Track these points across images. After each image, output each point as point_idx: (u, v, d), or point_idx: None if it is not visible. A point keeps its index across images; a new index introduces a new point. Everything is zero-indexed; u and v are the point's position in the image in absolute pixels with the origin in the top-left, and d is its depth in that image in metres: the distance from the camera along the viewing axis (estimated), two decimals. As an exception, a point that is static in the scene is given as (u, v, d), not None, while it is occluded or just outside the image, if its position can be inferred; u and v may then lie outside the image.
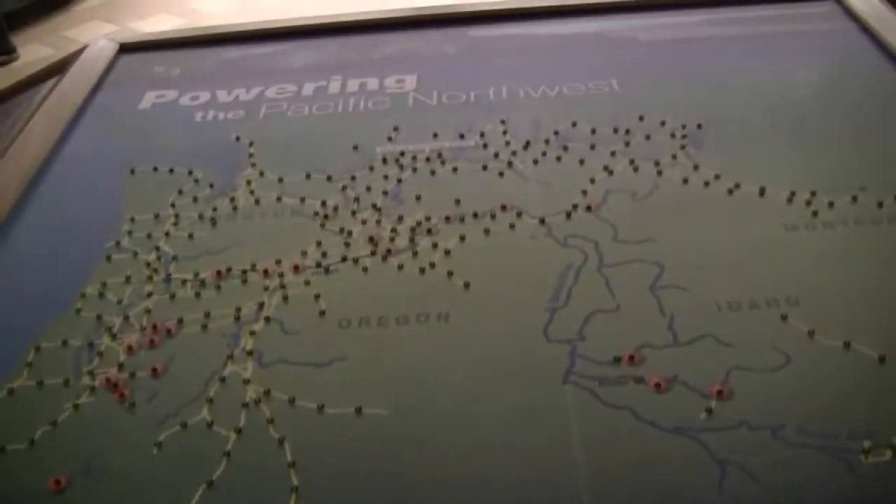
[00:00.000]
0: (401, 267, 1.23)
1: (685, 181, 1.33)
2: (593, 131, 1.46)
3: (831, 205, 1.25)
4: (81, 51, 1.91)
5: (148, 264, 1.28)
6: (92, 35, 3.09)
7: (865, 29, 1.69)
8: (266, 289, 1.21)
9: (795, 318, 1.08)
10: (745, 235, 1.22)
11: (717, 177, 1.32)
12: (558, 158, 1.41)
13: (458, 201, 1.33)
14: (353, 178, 1.41)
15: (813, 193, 1.27)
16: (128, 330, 1.17)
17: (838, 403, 0.98)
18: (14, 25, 3.95)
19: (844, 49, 1.68)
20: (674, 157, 1.38)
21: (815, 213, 1.24)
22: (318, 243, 1.28)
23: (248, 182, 1.43)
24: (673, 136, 1.43)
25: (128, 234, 1.34)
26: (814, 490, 0.90)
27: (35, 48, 3.80)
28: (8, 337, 1.18)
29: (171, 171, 1.48)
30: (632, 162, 1.38)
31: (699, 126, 1.45)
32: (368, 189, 1.38)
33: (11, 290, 1.27)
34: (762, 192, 1.29)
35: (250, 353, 1.11)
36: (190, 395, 1.07)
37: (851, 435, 0.94)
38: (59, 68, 1.88)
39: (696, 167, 1.35)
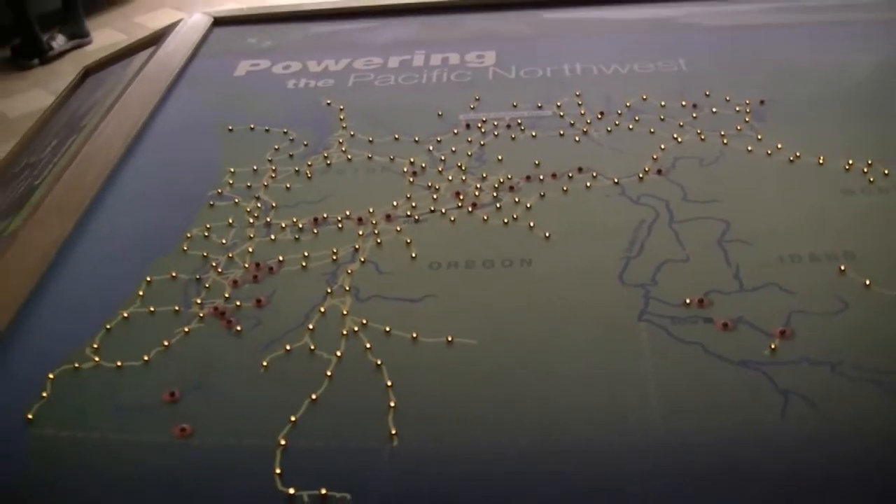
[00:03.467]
0: (486, 219, 1.32)
1: (749, 150, 1.42)
2: (662, 105, 1.56)
3: (886, 174, 1.33)
4: (176, 24, 2.02)
5: (248, 211, 1.37)
6: (161, 22, 3.19)
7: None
8: (361, 235, 1.30)
9: (852, 271, 1.17)
10: (805, 198, 1.31)
11: (778, 147, 1.41)
12: (630, 128, 1.51)
13: (537, 163, 1.42)
14: (439, 140, 1.51)
15: (869, 163, 1.35)
16: (232, 267, 1.27)
17: (893, 344, 1.07)
18: (89, 11, 4.08)
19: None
20: (738, 129, 1.47)
21: (871, 181, 1.32)
22: (408, 197, 1.37)
23: (341, 142, 1.53)
24: (737, 110, 1.52)
25: (229, 185, 1.44)
26: (869, 418, 0.99)
27: (107, 33, 3.92)
28: (121, 270, 1.28)
29: (267, 130, 1.58)
30: (699, 133, 1.47)
31: (762, 102, 1.54)
32: (454, 151, 1.48)
33: (121, 231, 1.38)
34: (821, 161, 1.37)
35: (348, 289, 1.20)
36: (292, 324, 1.16)
37: (904, 371, 1.01)
38: (153, 41, 1.99)
39: (759, 138, 1.44)
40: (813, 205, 1.30)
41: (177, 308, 1.20)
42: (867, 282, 1.14)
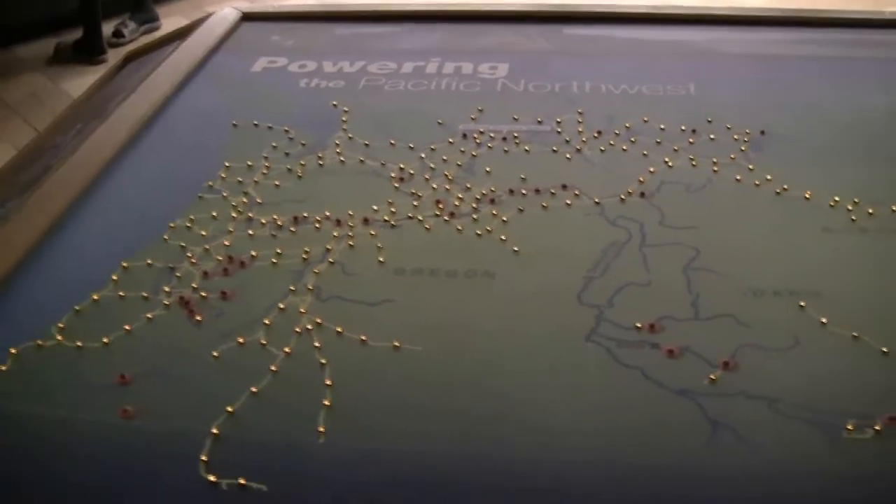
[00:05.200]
0: (460, 229, 1.33)
1: (738, 180, 1.41)
2: (662, 128, 1.55)
3: (871, 213, 1.31)
4: (208, 17, 2.05)
5: (234, 206, 1.39)
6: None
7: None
8: (335, 236, 1.31)
9: (813, 309, 1.15)
10: (784, 233, 1.30)
11: (768, 179, 1.40)
12: (624, 149, 1.51)
13: (523, 178, 1.42)
14: (433, 149, 1.52)
15: (856, 202, 1.33)
16: (206, 259, 1.29)
17: (836, 387, 1.06)
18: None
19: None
20: (732, 157, 1.46)
21: (853, 219, 1.30)
22: (390, 202, 1.38)
23: (338, 144, 1.55)
24: (735, 139, 1.51)
25: (221, 179, 1.46)
26: (794, 454, 0.98)
27: (176, 20, 3.98)
28: (103, 254, 1.31)
29: (270, 128, 1.60)
30: (691, 158, 1.46)
31: (762, 133, 1.52)
32: (445, 160, 1.49)
33: (112, 216, 1.41)
34: (808, 196, 1.36)
35: (311, 288, 1.21)
36: (251, 318, 1.18)
37: (841, 414, 1.01)
38: (187, 31, 2.02)
39: (750, 168, 1.42)
40: (789, 240, 1.29)
41: (146, 295, 1.22)
42: (824, 321, 1.12)
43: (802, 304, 1.16)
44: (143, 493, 0.97)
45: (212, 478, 0.96)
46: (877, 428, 0.99)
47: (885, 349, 1.09)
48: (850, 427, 0.99)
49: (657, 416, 1.02)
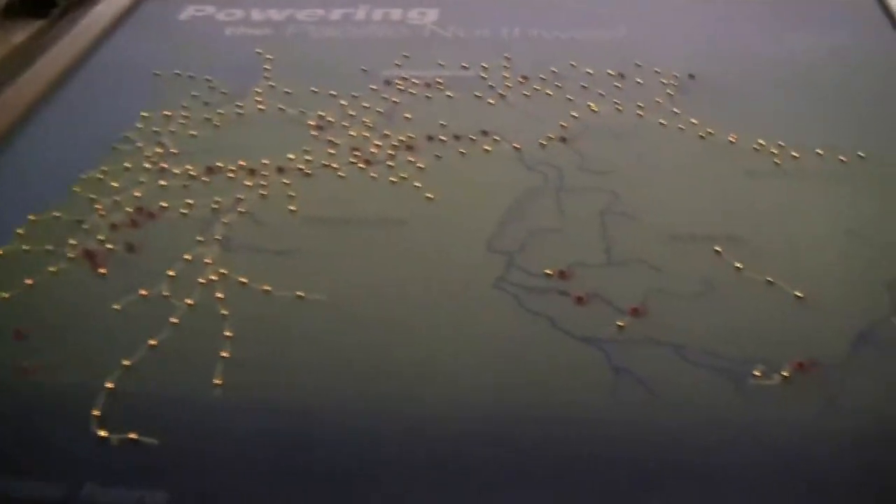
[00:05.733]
0: (375, 177, 1.30)
1: (662, 124, 1.38)
2: (589, 73, 1.51)
3: (795, 156, 1.28)
4: (137, -33, 2.01)
5: (148, 157, 1.36)
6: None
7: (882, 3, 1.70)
8: (249, 185, 1.28)
9: (729, 254, 1.13)
10: (705, 177, 1.28)
11: (693, 123, 1.37)
12: (549, 94, 1.47)
13: (443, 124, 1.39)
14: (355, 96, 1.48)
15: (781, 145, 1.30)
16: (116, 211, 1.25)
17: (746, 333, 1.03)
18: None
19: (855, 20, 1.70)
20: (658, 101, 1.43)
21: (777, 163, 1.27)
22: (306, 150, 1.34)
23: (259, 92, 1.51)
24: (663, 83, 1.48)
25: (138, 130, 1.42)
26: (698, 402, 0.95)
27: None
28: (9, 210, 1.27)
29: (192, 77, 1.56)
30: (617, 104, 1.43)
31: (691, 76, 1.49)
32: (366, 107, 1.46)
33: (23, 171, 1.38)
34: (733, 139, 1.34)
35: (218, 239, 1.18)
36: (156, 270, 1.15)
37: (749, 361, 0.99)
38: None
39: (676, 113, 1.39)
40: (710, 184, 1.26)
41: (50, 248, 1.19)
42: (739, 265, 1.10)
43: (718, 248, 1.13)
44: (37, 450, 0.94)
45: (102, 433, 0.93)
46: (784, 374, 0.97)
47: (799, 294, 1.07)
48: (757, 373, 0.97)
49: (562, 365, 1.00)
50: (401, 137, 1.37)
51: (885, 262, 1.12)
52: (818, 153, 1.29)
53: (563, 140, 1.34)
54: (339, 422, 0.95)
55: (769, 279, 1.09)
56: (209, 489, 0.89)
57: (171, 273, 1.14)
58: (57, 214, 1.25)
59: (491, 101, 1.46)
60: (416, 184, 1.27)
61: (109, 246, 1.19)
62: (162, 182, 1.30)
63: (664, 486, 0.88)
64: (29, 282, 1.13)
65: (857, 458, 0.89)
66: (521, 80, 1.51)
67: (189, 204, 1.26)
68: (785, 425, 0.93)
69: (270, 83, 1.53)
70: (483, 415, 0.95)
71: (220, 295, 1.10)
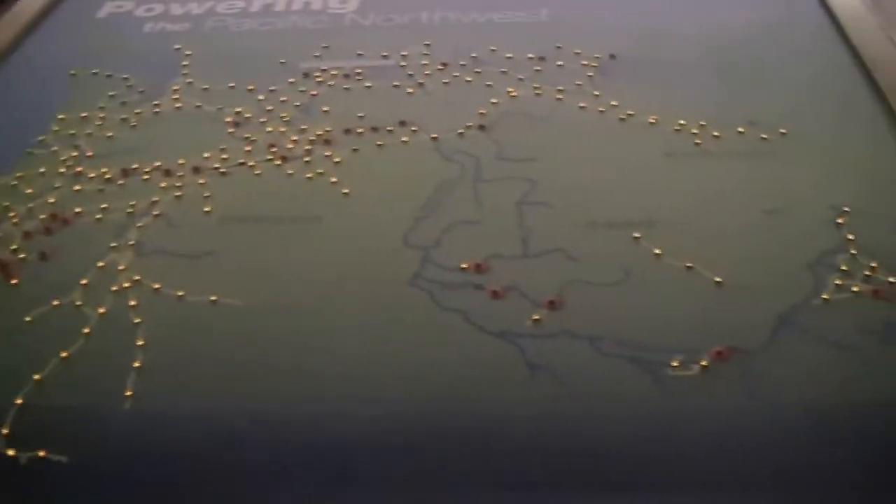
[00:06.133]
0: (291, 173, 1.28)
1: (582, 108, 1.36)
2: (509, 57, 1.50)
3: (716, 136, 1.27)
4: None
5: (63, 160, 1.33)
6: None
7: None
8: (164, 187, 1.26)
9: (648, 240, 1.12)
10: (625, 160, 1.26)
11: (613, 105, 1.36)
12: (468, 80, 1.45)
13: (361, 116, 1.37)
14: (272, 90, 1.45)
15: (702, 125, 1.30)
16: (29, 218, 1.23)
17: (664, 322, 1.03)
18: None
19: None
20: (578, 84, 1.41)
21: (697, 143, 1.27)
22: (222, 148, 1.33)
23: (176, 89, 1.49)
24: (583, 65, 1.46)
25: (54, 133, 1.40)
26: (615, 395, 0.95)
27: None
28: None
29: (109, 76, 1.53)
30: (536, 88, 1.41)
31: (612, 56, 1.48)
32: (283, 101, 1.44)
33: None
34: (653, 121, 1.33)
35: (132, 244, 1.17)
36: (69, 278, 1.13)
37: (668, 350, 0.99)
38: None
39: (596, 95, 1.38)
40: (631, 168, 1.25)
41: (-38, 260, 1.15)
42: (658, 252, 1.09)
43: (637, 235, 1.12)
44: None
45: (11, 452, 0.92)
46: (703, 363, 0.97)
47: (718, 279, 1.06)
48: (675, 364, 0.97)
49: (476, 362, 0.99)
50: (318, 132, 1.35)
51: (808, 242, 1.12)
52: (740, 131, 1.29)
53: (482, 128, 1.32)
54: (254, 425, 0.95)
55: (688, 265, 1.08)
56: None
57: (83, 282, 1.12)
58: (-31, 225, 1.20)
59: (410, 91, 1.44)
60: (333, 179, 1.26)
61: (22, 255, 1.17)
62: (77, 186, 1.28)
63: (580, 479, 0.88)
64: (-60, 295, 1.09)
65: (778, 447, 0.89)
66: (440, 67, 1.49)
67: (104, 209, 1.24)
68: (703, 416, 0.92)
69: (188, 80, 1.51)
70: (398, 410, 0.95)
71: (133, 302, 1.08)
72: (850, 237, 1.11)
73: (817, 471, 0.86)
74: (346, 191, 1.24)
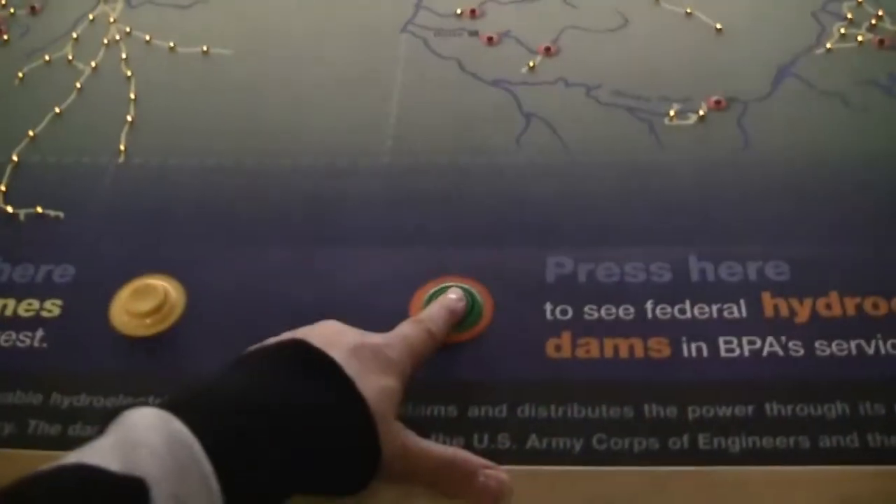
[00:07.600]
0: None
1: None
2: None
3: None
4: None
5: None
6: None
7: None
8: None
9: (650, -16, 1.08)
10: None
11: None
12: None
13: None
14: None
15: None
16: (16, -27, 1.19)
17: (663, 70, 1.00)
18: None
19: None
20: None
21: None
22: None
23: None
24: None
25: None
26: (610, 145, 0.93)
27: None
28: None
29: None
30: None
31: None
32: None
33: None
34: None
35: (123, -4, 1.14)
36: (60, 32, 1.12)
37: (665, 100, 0.97)
38: None
39: None
40: None
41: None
42: (658, -2, 1.06)
43: (636, -20, 1.08)
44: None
45: (9, 209, 0.92)
46: (700, 113, 0.95)
47: (719, 26, 1.04)
48: (671, 113, 0.95)
49: (472, 111, 0.98)
50: None
51: (815, -13, 1.06)
52: None
53: None
54: (245, 178, 0.94)
55: (688, 10, 1.05)
56: (118, 258, 0.88)
57: (74, 35, 1.10)
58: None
59: None
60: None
61: (11, 10, 1.15)
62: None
63: (572, 228, 0.87)
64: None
65: (775, 197, 0.87)
66: None
67: (95, -36, 1.19)
68: (700, 165, 0.91)
69: None
70: (388, 162, 0.94)
71: (124, 55, 1.07)
72: (857, -18, 1.06)
73: (815, 219, 0.85)
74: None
